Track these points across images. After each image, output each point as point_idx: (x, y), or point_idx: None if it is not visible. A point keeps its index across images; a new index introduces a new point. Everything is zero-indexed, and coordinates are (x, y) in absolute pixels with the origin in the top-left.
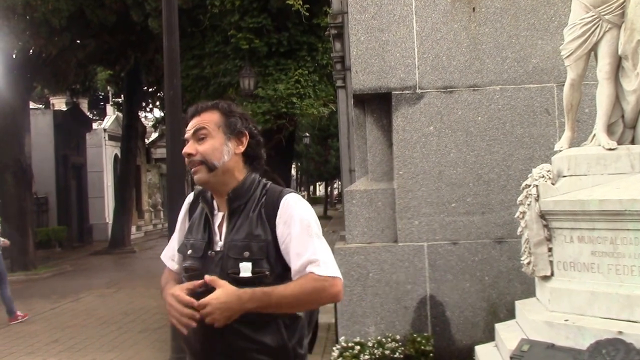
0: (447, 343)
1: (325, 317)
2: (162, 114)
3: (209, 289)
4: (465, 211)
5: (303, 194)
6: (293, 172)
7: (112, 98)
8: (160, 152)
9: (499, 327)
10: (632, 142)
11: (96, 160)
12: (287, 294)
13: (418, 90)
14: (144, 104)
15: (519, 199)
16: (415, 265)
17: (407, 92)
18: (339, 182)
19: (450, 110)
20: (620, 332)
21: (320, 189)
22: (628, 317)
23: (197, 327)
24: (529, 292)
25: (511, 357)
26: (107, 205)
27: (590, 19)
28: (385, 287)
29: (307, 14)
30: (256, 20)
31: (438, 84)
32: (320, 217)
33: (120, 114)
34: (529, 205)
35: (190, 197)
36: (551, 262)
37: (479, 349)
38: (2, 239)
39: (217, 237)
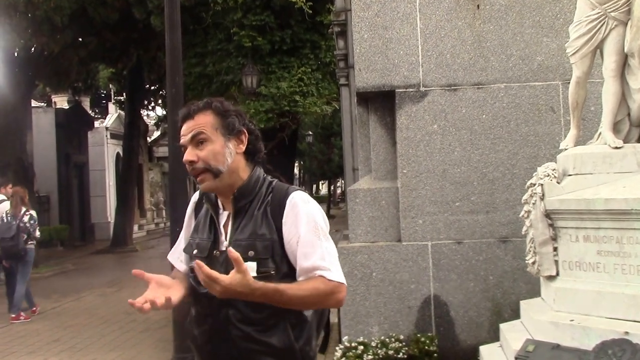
0: (452, 343)
1: None
2: (165, 112)
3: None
4: (469, 210)
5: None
6: (296, 170)
7: (114, 96)
8: (162, 151)
9: (503, 327)
10: (639, 140)
11: (98, 159)
12: (300, 294)
13: (422, 88)
14: (146, 102)
15: (524, 197)
16: (419, 265)
17: (410, 90)
18: (342, 181)
19: (455, 108)
20: (626, 333)
21: (323, 188)
22: (634, 317)
23: (205, 327)
24: (534, 292)
25: (516, 358)
26: (109, 204)
27: (596, 16)
28: (389, 287)
29: (310, 11)
30: (259, 18)
31: (442, 82)
32: None
33: (122, 112)
34: (534, 204)
35: (195, 197)
36: (556, 262)
37: (484, 349)
38: (38, 232)
39: (223, 237)
